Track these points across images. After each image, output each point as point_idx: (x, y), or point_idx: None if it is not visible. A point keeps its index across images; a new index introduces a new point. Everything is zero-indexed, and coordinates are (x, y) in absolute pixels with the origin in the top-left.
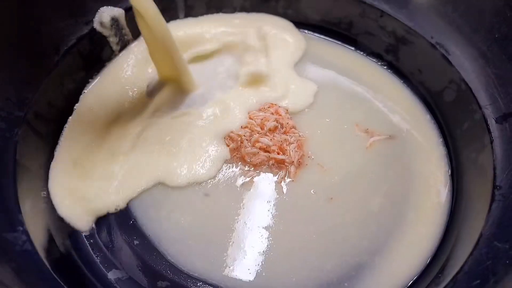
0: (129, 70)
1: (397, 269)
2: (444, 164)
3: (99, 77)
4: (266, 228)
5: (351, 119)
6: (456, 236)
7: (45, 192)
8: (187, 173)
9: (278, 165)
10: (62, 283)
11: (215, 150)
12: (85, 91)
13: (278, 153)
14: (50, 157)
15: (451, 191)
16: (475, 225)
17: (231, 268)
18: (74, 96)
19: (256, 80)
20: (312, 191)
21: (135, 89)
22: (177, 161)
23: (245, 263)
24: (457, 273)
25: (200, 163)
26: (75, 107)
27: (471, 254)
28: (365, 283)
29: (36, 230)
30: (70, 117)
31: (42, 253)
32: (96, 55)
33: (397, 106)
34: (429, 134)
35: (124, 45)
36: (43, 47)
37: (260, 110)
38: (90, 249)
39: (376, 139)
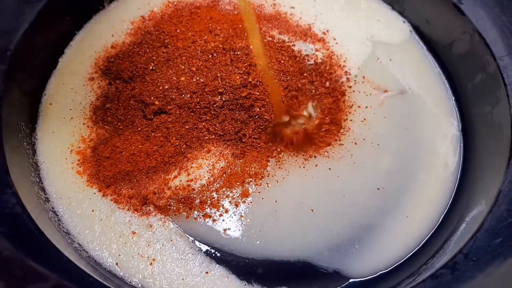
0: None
1: (409, 229)
2: (454, 119)
3: (86, 28)
4: (272, 189)
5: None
6: (469, 194)
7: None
8: None
9: None
10: (56, 246)
11: None
12: (72, 43)
13: None
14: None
15: (462, 148)
16: (491, 182)
17: (235, 230)
18: (59, 49)
19: None
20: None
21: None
22: None
23: (251, 225)
24: (477, 231)
25: None
26: (60, 59)
27: (490, 211)
28: (376, 245)
29: (26, 192)
30: (54, 70)
31: (33, 216)
32: (83, 5)
33: (405, 60)
34: (438, 89)
35: None
36: None
37: None
38: None
39: (388, 95)
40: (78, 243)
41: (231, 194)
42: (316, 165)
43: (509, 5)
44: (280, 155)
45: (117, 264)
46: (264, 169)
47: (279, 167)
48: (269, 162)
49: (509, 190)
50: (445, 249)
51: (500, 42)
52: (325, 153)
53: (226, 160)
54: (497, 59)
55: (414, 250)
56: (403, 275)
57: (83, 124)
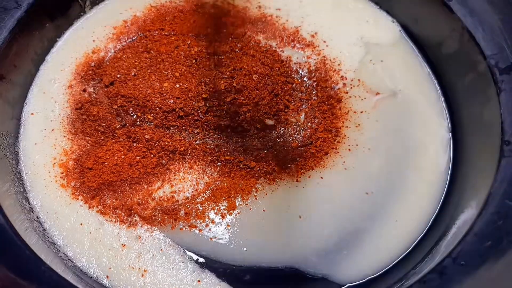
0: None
1: (398, 233)
2: (444, 121)
3: (67, 35)
4: (260, 201)
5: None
6: (460, 196)
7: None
8: None
9: None
10: (39, 256)
11: None
12: (53, 50)
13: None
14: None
15: (452, 149)
16: (481, 184)
17: (221, 239)
18: (41, 57)
19: None
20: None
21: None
22: None
23: (238, 233)
24: (466, 234)
25: None
26: (41, 67)
27: (479, 214)
28: (364, 249)
29: (9, 202)
30: (35, 78)
31: (16, 225)
32: (63, 11)
33: (396, 61)
34: (428, 90)
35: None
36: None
37: None
38: None
39: (380, 98)
40: (63, 253)
41: (216, 207)
42: (309, 177)
43: (499, 2)
44: (271, 176)
45: (107, 277)
46: (252, 186)
47: (268, 183)
48: (259, 180)
49: (499, 192)
50: (434, 253)
51: (490, 40)
52: (321, 162)
53: (211, 177)
54: (487, 57)
55: (403, 255)
56: (392, 280)
57: (64, 137)
